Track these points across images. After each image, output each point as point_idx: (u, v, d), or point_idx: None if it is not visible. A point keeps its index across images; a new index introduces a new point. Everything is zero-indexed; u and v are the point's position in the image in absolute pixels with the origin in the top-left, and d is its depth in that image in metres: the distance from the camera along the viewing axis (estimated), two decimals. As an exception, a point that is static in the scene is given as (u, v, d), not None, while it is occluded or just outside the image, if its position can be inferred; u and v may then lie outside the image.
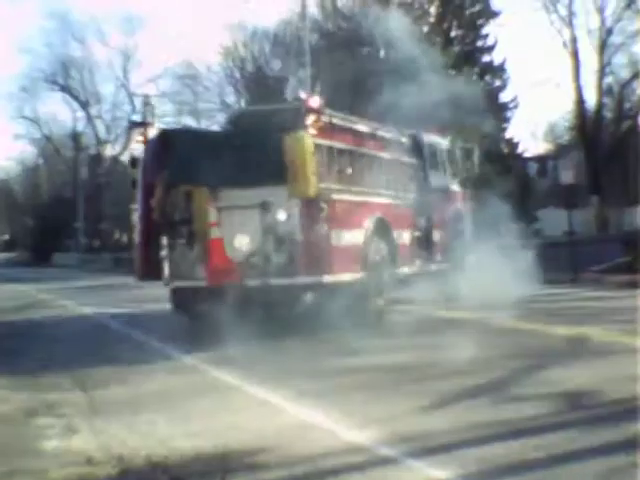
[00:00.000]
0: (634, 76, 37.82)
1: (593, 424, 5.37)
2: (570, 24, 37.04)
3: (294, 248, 10.63)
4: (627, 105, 39.85)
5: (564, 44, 37.22)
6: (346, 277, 10.99)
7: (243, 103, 47.78)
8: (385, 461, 4.78)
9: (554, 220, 29.02)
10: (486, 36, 44.88)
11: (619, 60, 38.10)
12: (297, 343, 10.00)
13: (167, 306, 12.05)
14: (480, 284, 12.92)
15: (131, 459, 5.00)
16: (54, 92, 68.32)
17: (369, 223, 11.75)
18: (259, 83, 45.30)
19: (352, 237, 11.36)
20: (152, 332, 11.67)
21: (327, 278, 10.63)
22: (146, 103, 32.60)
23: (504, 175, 33.01)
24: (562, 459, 4.67)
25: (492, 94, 42.95)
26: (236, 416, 6.05)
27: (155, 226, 11.32)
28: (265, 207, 10.71)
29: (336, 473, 4.59)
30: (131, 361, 8.99)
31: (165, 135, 11.95)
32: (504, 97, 45.31)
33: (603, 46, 36.89)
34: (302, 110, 11.03)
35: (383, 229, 12.21)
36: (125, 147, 66.16)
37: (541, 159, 47.87)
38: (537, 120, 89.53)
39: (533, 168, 46.80)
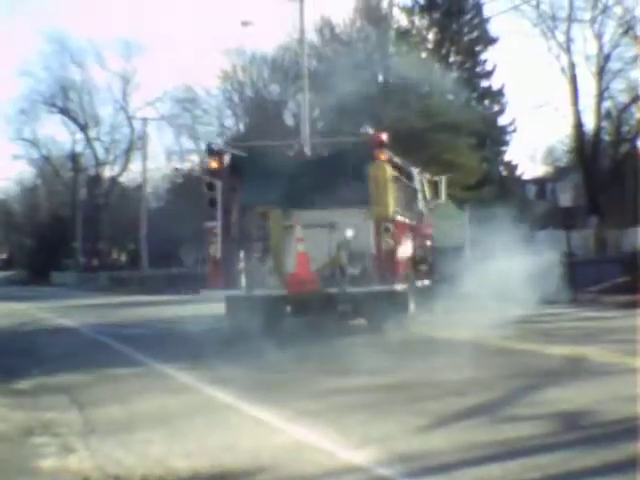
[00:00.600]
0: (632, 100, 37.91)
1: (590, 444, 5.35)
2: (568, 50, 37.20)
3: (368, 261, 12.62)
4: (625, 128, 39.97)
5: (562, 70, 37.37)
6: (401, 287, 12.84)
7: (242, 127, 47.98)
8: (382, 481, 4.75)
9: (553, 241, 29.02)
10: (485, 61, 45.20)
11: (617, 85, 38.18)
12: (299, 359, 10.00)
13: (167, 326, 12.06)
14: (479, 303, 12.94)
15: (127, 479, 4.97)
16: (53, 114, 68.75)
17: (411, 240, 14.15)
18: (258, 107, 45.48)
19: (406, 251, 13.62)
20: (150, 351, 11.63)
21: (398, 286, 12.61)
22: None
23: (503, 197, 33.18)
24: (559, 479, 4.65)
25: (491, 118, 43.24)
26: (233, 435, 6.03)
27: (233, 242, 12.95)
28: (333, 226, 12.75)
29: (333, 493, 4.57)
30: (128, 380, 8.98)
31: (241, 161, 13.58)
32: (503, 121, 45.64)
33: (601, 72, 37.00)
34: (373, 144, 12.77)
35: (415, 246, 14.59)
36: (124, 169, 66.47)
37: (540, 182, 48.02)
38: (536, 143, 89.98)
39: (532, 190, 46.97)
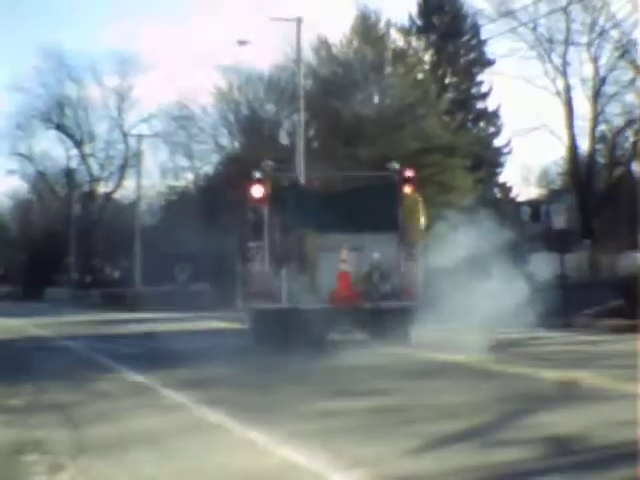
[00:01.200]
0: (627, 124, 38.04)
1: (580, 469, 5.36)
2: (564, 73, 37.41)
3: (396, 279, 14.65)
4: (619, 152, 40.10)
5: (557, 93, 37.54)
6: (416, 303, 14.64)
7: (237, 145, 48.02)
8: (372, 504, 4.75)
9: (546, 264, 29.03)
10: (481, 83, 45.49)
11: (612, 109, 38.29)
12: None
13: (161, 344, 12.04)
14: (471, 325, 12.93)
15: (117, 498, 4.96)
16: (48, 130, 68.65)
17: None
18: (253, 126, 45.53)
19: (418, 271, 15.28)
20: (143, 369, 11.61)
21: (417, 303, 14.49)
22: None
23: (497, 219, 33.20)
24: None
25: (486, 140, 43.48)
26: (223, 456, 6.01)
27: (275, 261, 14.53)
28: (360, 249, 14.52)
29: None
30: (120, 398, 8.95)
31: (283, 190, 15.40)
32: (498, 142, 45.87)
33: (597, 95, 37.15)
34: (401, 178, 15.21)
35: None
36: (118, 185, 66.50)
37: (534, 204, 48.10)
38: (530, 165, 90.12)
39: (526, 212, 47.03)
